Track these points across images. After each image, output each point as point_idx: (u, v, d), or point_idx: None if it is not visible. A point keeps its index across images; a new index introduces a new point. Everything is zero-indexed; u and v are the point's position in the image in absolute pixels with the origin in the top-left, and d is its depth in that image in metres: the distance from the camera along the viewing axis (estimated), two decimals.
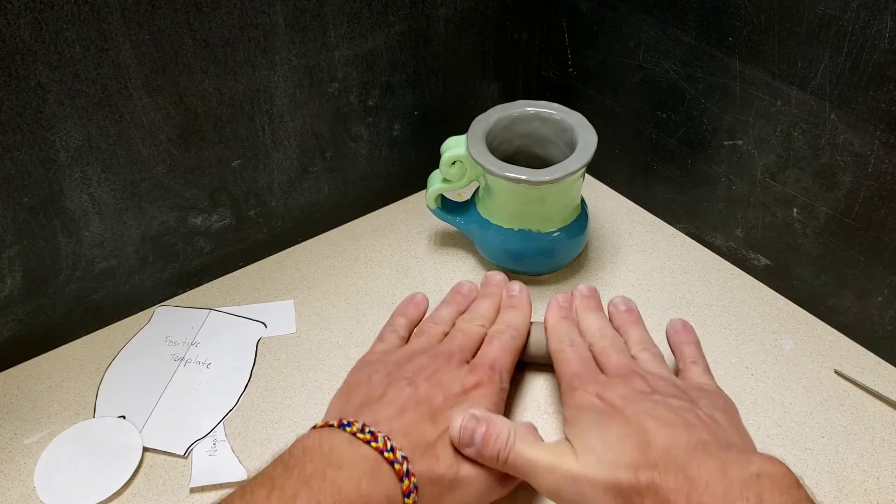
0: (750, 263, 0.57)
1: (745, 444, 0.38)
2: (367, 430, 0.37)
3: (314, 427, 0.38)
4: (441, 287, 0.57)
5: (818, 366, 0.51)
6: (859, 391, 0.50)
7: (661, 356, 0.45)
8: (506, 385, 0.44)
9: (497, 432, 0.39)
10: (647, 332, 0.47)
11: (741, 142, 0.53)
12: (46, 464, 0.46)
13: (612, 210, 0.64)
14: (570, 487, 0.37)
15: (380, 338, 0.48)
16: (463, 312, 0.49)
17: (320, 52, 0.52)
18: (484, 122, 0.55)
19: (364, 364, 0.45)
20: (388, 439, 0.37)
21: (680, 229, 0.62)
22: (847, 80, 0.45)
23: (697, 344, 0.47)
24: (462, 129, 0.55)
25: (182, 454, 0.46)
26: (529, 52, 0.64)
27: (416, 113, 0.61)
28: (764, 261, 0.56)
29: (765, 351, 0.52)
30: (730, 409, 0.41)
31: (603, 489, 0.36)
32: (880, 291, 0.49)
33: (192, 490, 0.45)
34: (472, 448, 0.39)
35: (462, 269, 0.59)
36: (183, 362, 0.52)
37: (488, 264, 0.59)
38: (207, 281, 0.58)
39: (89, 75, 0.44)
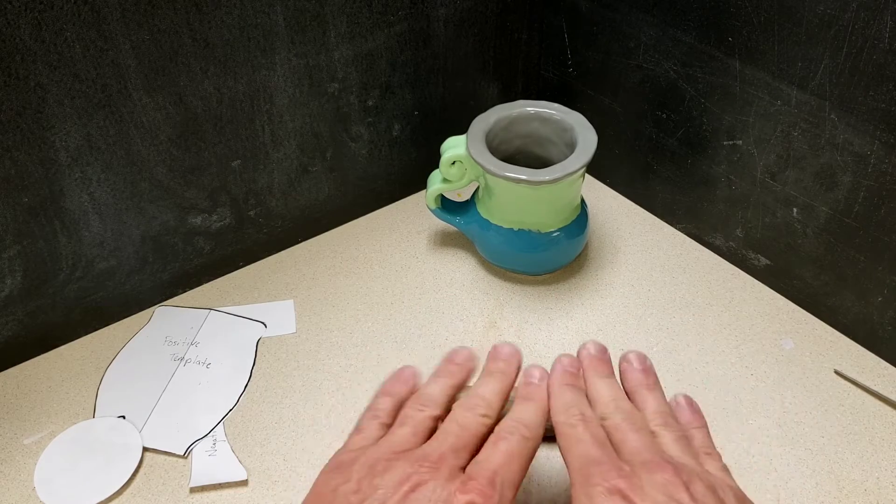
0: (750, 263, 0.57)
1: None
2: None
3: None
4: (441, 287, 0.57)
5: (818, 366, 0.51)
6: (859, 391, 0.50)
7: (685, 437, 0.37)
8: None
9: None
10: (666, 401, 0.39)
11: (741, 142, 0.53)
12: (46, 464, 0.46)
13: (612, 210, 0.64)
14: None
15: (357, 428, 0.39)
16: (458, 387, 0.40)
17: (320, 52, 0.52)
18: (484, 122, 0.55)
19: (334, 467, 0.36)
20: None
21: (680, 229, 0.62)
22: (847, 80, 0.45)
23: (707, 429, 0.39)
24: (462, 129, 0.55)
25: (182, 454, 0.46)
26: (529, 52, 0.64)
27: (416, 113, 0.61)
28: (764, 261, 0.56)
29: (765, 351, 0.52)
30: None
31: None
32: (880, 291, 0.49)
33: (192, 490, 0.45)
34: None
35: (462, 269, 0.59)
36: (183, 362, 0.52)
37: (488, 264, 0.59)
38: (207, 281, 0.58)
39: (89, 75, 0.44)
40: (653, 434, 0.37)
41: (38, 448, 0.47)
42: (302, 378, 0.51)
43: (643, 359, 0.41)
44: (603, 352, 0.41)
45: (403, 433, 0.37)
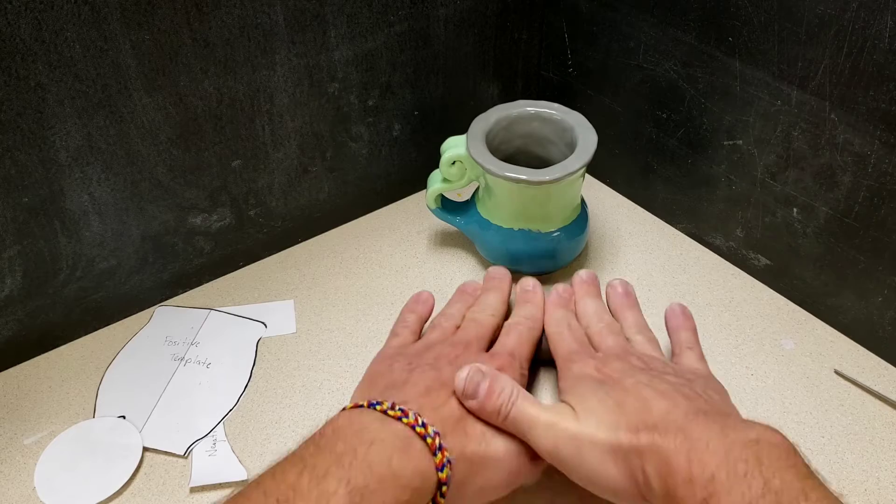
0: (750, 263, 0.57)
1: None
2: (397, 407, 0.37)
3: (343, 409, 0.38)
4: (441, 287, 0.57)
5: (818, 366, 0.51)
6: (859, 391, 0.50)
7: (655, 341, 0.46)
8: (525, 372, 0.45)
9: (501, 387, 0.39)
10: (643, 316, 0.49)
11: (741, 142, 0.53)
12: (46, 464, 0.46)
13: (612, 210, 0.64)
14: (569, 446, 0.37)
15: (393, 333, 0.49)
16: (469, 308, 0.50)
17: (320, 52, 0.52)
18: (484, 122, 0.55)
19: (383, 357, 0.46)
20: (419, 415, 0.37)
21: (680, 229, 0.62)
22: (847, 80, 0.45)
23: (694, 330, 0.48)
24: (462, 129, 0.55)
25: (182, 454, 0.46)
26: (529, 52, 0.65)
27: (416, 113, 0.61)
28: (764, 261, 0.56)
29: (765, 351, 0.52)
30: (723, 392, 0.42)
31: (602, 449, 0.37)
32: (880, 291, 0.49)
33: (192, 490, 0.45)
34: (474, 400, 0.39)
35: (462, 269, 0.59)
36: (183, 362, 0.52)
37: (488, 264, 0.59)
38: (207, 281, 0.58)
39: (89, 75, 0.44)
40: (628, 340, 0.46)
41: (38, 448, 0.47)
42: (302, 378, 0.51)
43: (625, 284, 0.51)
44: (592, 277, 0.51)
45: (436, 335, 0.47)
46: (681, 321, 0.48)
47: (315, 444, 0.35)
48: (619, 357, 0.43)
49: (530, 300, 0.50)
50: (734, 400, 0.49)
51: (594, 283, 0.51)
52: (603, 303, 0.50)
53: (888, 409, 0.48)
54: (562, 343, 0.46)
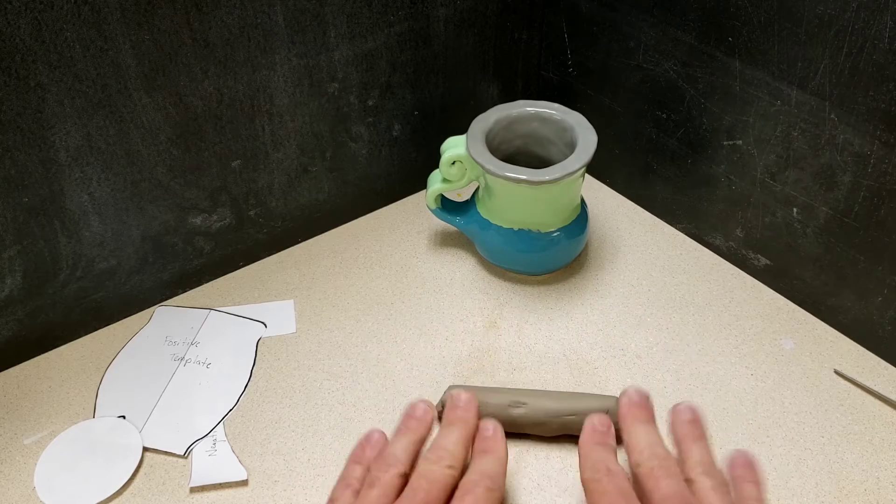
0: (750, 263, 0.57)
1: None
2: None
3: None
4: (441, 287, 0.57)
5: (818, 366, 0.51)
6: (859, 391, 0.50)
7: (725, 485, 0.38)
8: None
9: None
10: (712, 452, 0.40)
11: (741, 142, 0.53)
12: (46, 464, 0.46)
13: (612, 210, 0.64)
14: None
15: (331, 500, 0.39)
16: (421, 441, 0.41)
17: (320, 52, 0.52)
18: (484, 122, 0.55)
19: None
20: None
21: (680, 229, 0.62)
22: (847, 80, 0.45)
23: (759, 484, 0.39)
24: (462, 129, 0.55)
25: (182, 454, 0.46)
26: (529, 52, 0.65)
27: (416, 113, 0.61)
28: (764, 261, 0.56)
29: (765, 351, 0.52)
30: None
31: None
32: (880, 291, 0.49)
33: (192, 490, 0.45)
34: None
35: (462, 269, 0.59)
36: (183, 362, 0.52)
37: (488, 264, 0.59)
38: (207, 281, 0.58)
39: (89, 75, 0.44)
40: (690, 481, 0.37)
41: (38, 448, 0.47)
42: (302, 378, 0.51)
43: (693, 410, 0.42)
44: (644, 398, 0.42)
45: (373, 495, 0.37)
46: (747, 472, 0.40)
47: None
48: None
49: (490, 449, 0.40)
50: (735, 400, 0.49)
51: (647, 406, 0.42)
52: (657, 432, 0.41)
53: (888, 409, 0.48)
54: (602, 497, 0.37)
